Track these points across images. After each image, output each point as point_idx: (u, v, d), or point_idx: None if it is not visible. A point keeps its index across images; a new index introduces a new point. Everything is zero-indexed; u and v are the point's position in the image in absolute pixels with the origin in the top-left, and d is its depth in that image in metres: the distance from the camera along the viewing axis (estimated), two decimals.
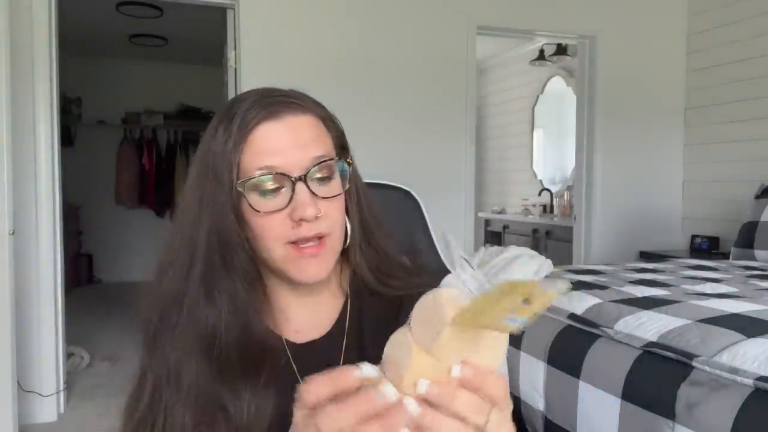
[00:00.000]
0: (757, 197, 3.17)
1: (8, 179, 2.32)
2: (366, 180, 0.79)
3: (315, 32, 3.23)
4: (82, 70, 5.86)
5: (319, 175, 0.68)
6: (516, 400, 1.93)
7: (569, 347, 1.75)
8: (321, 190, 0.68)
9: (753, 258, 2.96)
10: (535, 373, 1.85)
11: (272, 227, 0.67)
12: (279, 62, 3.15)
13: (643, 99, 3.88)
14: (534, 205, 5.13)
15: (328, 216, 0.68)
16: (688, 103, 3.96)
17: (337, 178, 0.70)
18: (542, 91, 5.41)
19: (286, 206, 0.66)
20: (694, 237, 3.82)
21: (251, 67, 3.10)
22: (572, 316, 1.82)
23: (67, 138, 5.35)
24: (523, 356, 1.92)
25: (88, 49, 5.68)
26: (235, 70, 3.14)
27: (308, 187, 0.66)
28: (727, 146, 3.71)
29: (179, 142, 6.32)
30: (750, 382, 1.24)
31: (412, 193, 1.17)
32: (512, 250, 0.46)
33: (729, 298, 1.81)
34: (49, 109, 2.81)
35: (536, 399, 1.84)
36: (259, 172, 0.66)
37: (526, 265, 0.45)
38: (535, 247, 4.59)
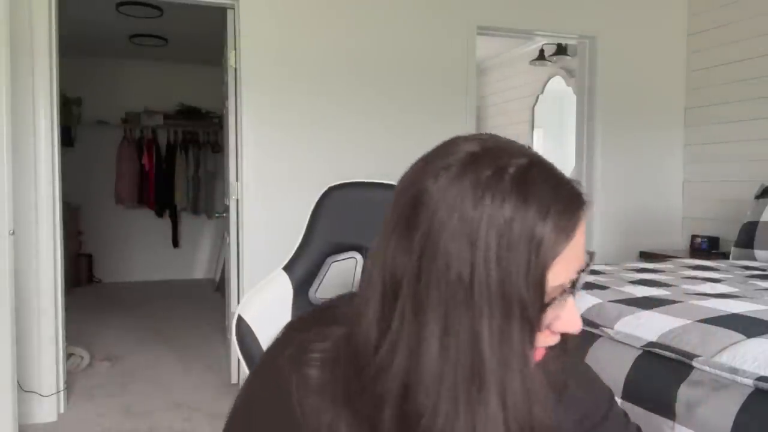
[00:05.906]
0: (757, 197, 3.17)
1: (8, 179, 2.32)
2: (365, 179, 0.78)
3: (315, 32, 3.23)
4: (82, 70, 5.86)
5: None
6: None
7: None
8: None
9: (753, 258, 2.96)
10: None
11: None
12: (279, 62, 3.15)
13: (643, 99, 3.88)
14: None
15: None
16: (688, 103, 3.96)
17: None
18: (542, 91, 5.41)
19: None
20: (694, 237, 3.82)
21: (251, 67, 3.10)
22: None
23: (67, 138, 5.36)
24: None
25: (88, 49, 5.68)
26: (235, 70, 3.14)
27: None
28: (727, 146, 3.71)
29: (179, 142, 6.32)
30: (750, 382, 1.24)
31: None
32: None
33: (729, 298, 1.80)
34: (49, 109, 2.80)
35: None
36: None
37: None
38: None
